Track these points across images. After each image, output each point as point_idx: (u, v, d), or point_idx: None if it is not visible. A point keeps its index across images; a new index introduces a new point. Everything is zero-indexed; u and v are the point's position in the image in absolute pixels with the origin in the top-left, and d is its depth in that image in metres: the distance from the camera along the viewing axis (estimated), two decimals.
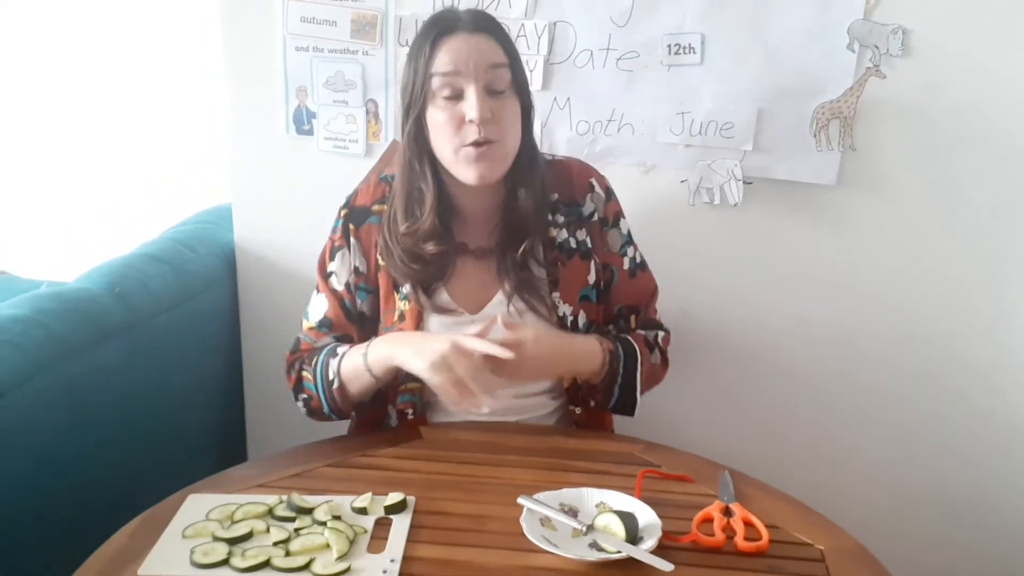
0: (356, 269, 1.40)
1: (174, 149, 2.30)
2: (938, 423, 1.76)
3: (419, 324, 1.36)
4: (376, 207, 1.39)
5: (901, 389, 1.75)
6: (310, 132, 1.76)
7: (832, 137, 1.62)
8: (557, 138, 1.70)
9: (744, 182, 1.66)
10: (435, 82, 1.25)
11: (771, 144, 1.64)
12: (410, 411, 1.38)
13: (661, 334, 1.46)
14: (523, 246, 1.34)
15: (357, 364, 1.30)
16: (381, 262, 1.38)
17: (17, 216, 2.47)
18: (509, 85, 1.28)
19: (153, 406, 1.56)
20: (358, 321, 1.42)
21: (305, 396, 1.38)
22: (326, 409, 1.36)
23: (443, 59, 1.25)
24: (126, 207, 2.33)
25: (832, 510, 1.14)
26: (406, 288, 1.36)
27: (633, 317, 1.46)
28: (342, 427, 1.49)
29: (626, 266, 1.44)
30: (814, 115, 1.62)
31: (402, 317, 1.36)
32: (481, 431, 1.35)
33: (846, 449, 1.80)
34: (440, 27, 1.26)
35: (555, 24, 1.65)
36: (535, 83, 1.66)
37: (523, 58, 1.35)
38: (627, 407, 1.39)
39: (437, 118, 1.27)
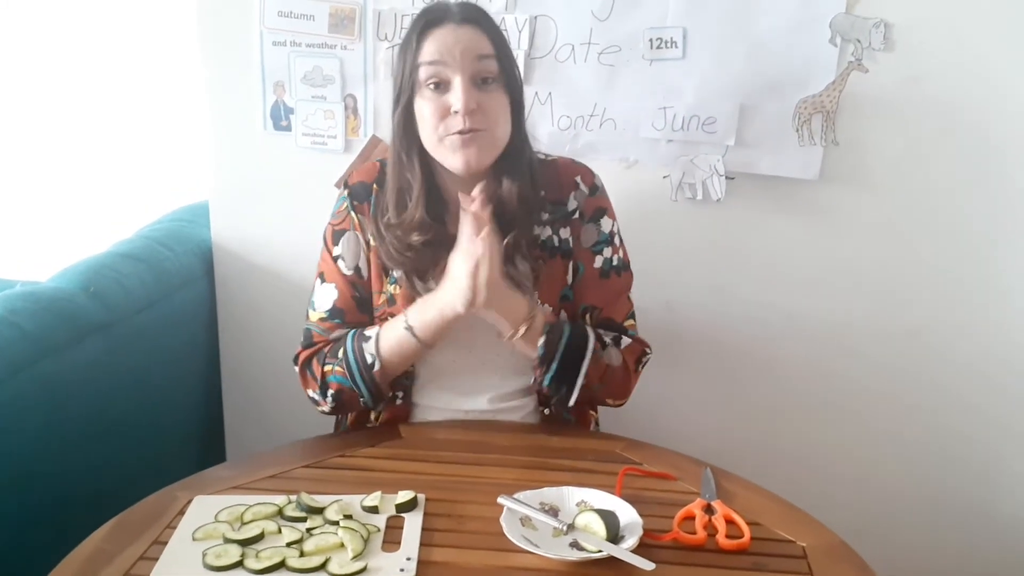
0: (368, 243, 1.38)
1: (150, 146, 2.27)
2: (923, 418, 1.76)
3: (409, 306, 1.35)
4: (375, 186, 1.39)
5: (885, 384, 1.75)
6: (288, 128, 1.74)
7: (815, 131, 1.61)
8: (539, 133, 1.68)
9: (726, 177, 1.66)
10: (422, 72, 1.26)
11: (753, 139, 1.64)
12: (400, 393, 1.38)
13: (626, 340, 1.39)
14: (505, 239, 1.31)
15: (402, 338, 1.29)
16: (372, 243, 1.37)
17: None
18: (497, 76, 1.28)
19: (130, 407, 1.54)
20: (368, 309, 1.40)
21: (334, 391, 1.33)
22: (365, 397, 1.33)
23: (429, 49, 1.26)
24: (101, 205, 2.30)
25: (815, 507, 1.14)
26: (397, 272, 1.36)
27: (588, 316, 1.40)
28: (324, 426, 1.49)
29: (597, 264, 1.40)
30: (796, 109, 1.61)
31: (392, 300, 1.36)
32: (461, 430, 1.34)
33: (830, 445, 1.80)
34: (428, 18, 1.28)
35: (536, 18, 1.63)
36: None
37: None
38: (565, 387, 1.31)
39: (424, 109, 1.27)
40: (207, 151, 1.78)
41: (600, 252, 1.40)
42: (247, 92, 1.73)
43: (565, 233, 1.38)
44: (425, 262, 1.34)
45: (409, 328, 1.28)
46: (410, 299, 1.34)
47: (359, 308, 1.39)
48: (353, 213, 1.38)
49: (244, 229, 1.82)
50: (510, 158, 1.32)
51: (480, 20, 1.29)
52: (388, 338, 1.30)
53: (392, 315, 1.35)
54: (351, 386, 1.32)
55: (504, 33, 1.33)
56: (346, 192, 1.41)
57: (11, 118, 2.34)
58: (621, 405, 1.42)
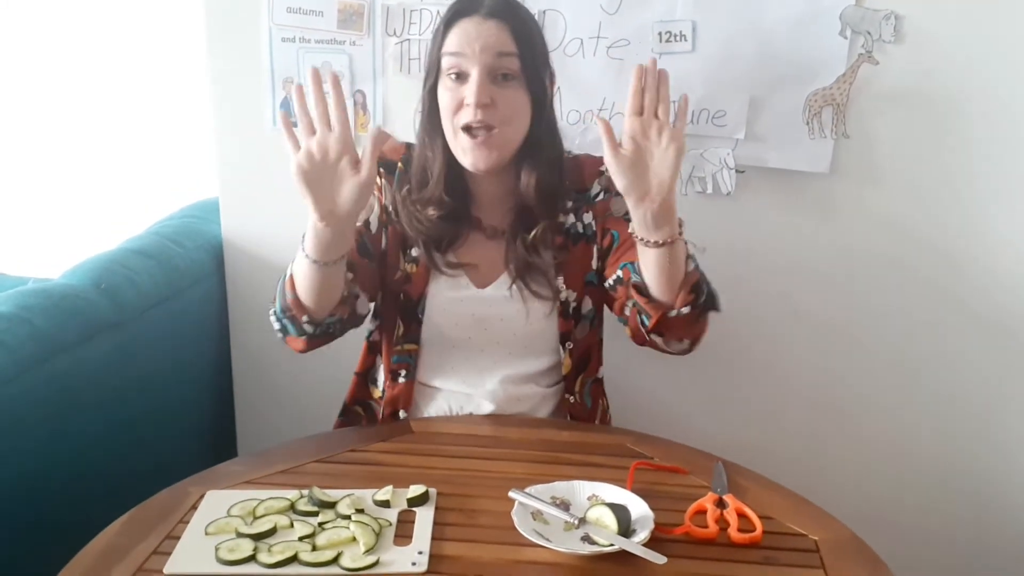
0: (385, 207, 1.40)
1: (159, 142, 2.28)
2: (933, 413, 1.75)
3: (425, 286, 1.37)
4: (400, 164, 1.41)
5: (896, 378, 1.75)
6: (297, 124, 1.73)
7: (825, 124, 1.61)
8: None
9: (736, 171, 1.65)
10: (444, 61, 1.29)
11: (763, 132, 1.63)
12: (403, 371, 1.40)
13: None
14: (534, 232, 1.34)
15: (299, 256, 1.26)
16: (389, 209, 1.39)
17: (1, 213, 2.44)
18: (516, 74, 1.28)
19: (141, 403, 1.55)
20: (372, 257, 1.39)
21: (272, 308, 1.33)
22: (278, 307, 1.30)
23: (452, 39, 1.28)
24: (111, 202, 2.31)
25: (827, 501, 1.14)
26: (415, 250, 1.37)
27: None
28: (329, 422, 1.49)
29: (631, 230, 1.28)
30: (807, 102, 1.60)
31: (408, 279, 1.38)
32: (472, 424, 1.35)
33: (840, 440, 1.80)
34: (457, 8, 1.30)
35: (544, 12, 1.63)
36: None
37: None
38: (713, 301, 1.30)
39: (443, 96, 1.30)
40: (216, 147, 1.78)
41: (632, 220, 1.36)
42: (256, 88, 1.73)
43: (588, 218, 1.40)
44: (443, 233, 1.36)
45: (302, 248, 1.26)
46: (425, 278, 1.37)
47: (359, 251, 1.37)
48: (380, 179, 1.40)
49: (254, 225, 1.82)
50: (529, 151, 1.34)
51: (507, 16, 1.28)
52: (296, 257, 1.29)
53: (406, 293, 1.37)
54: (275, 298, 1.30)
55: (532, 31, 1.31)
56: None
57: (21, 117, 2.35)
58: (688, 351, 1.37)
